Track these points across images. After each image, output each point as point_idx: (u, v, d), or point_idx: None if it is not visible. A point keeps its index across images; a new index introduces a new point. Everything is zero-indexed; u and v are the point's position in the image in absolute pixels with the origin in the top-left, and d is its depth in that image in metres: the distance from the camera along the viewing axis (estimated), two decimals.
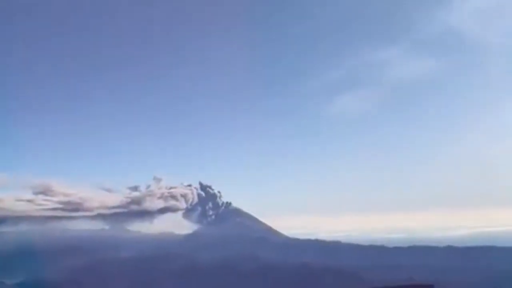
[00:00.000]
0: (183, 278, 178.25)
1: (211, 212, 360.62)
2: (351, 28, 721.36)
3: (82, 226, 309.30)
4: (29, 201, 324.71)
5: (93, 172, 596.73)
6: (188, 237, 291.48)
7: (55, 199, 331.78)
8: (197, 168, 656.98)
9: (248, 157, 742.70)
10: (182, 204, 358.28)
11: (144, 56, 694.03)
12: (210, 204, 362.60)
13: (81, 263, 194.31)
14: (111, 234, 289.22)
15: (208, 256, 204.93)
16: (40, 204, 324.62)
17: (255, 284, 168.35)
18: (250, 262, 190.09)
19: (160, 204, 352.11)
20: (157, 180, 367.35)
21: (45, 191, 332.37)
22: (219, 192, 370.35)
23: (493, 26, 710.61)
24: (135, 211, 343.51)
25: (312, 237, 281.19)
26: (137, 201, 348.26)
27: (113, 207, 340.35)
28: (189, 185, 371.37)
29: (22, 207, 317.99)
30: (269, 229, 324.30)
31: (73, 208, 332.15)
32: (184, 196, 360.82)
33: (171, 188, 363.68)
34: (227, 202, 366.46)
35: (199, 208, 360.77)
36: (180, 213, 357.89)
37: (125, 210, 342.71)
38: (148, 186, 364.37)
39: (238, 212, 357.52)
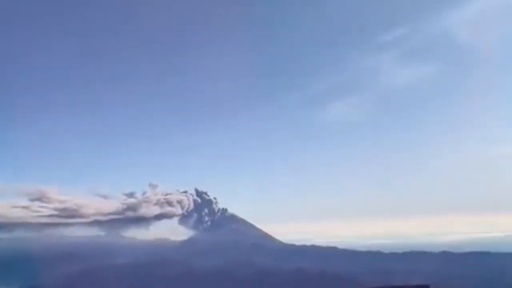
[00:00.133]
0: (179, 284, 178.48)
1: (207, 218, 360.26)
2: (344, 35, 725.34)
3: (78, 233, 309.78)
4: (25, 207, 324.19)
5: (89, 178, 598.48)
6: (184, 243, 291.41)
7: (51, 205, 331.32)
8: (193, 174, 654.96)
9: (244, 164, 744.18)
10: (178, 211, 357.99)
11: (138, 64, 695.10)
12: (206, 210, 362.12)
13: (77, 269, 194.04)
14: (107, 240, 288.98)
15: (204, 262, 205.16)
16: (36, 211, 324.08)
17: None
18: (246, 268, 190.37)
19: (156, 210, 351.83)
20: (153, 186, 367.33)
21: (41, 198, 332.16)
22: (214, 198, 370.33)
23: (486, 33, 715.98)
24: (131, 217, 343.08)
25: (308, 243, 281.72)
26: (133, 208, 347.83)
27: (109, 214, 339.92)
28: (185, 192, 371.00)
29: (18, 214, 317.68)
30: (265, 235, 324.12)
31: (69, 214, 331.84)
32: (180, 202, 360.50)
33: (167, 194, 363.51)
34: (223, 208, 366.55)
35: (195, 215, 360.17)
36: (176, 220, 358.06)
37: (121, 216, 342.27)
38: (144, 193, 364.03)
39: (234, 218, 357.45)
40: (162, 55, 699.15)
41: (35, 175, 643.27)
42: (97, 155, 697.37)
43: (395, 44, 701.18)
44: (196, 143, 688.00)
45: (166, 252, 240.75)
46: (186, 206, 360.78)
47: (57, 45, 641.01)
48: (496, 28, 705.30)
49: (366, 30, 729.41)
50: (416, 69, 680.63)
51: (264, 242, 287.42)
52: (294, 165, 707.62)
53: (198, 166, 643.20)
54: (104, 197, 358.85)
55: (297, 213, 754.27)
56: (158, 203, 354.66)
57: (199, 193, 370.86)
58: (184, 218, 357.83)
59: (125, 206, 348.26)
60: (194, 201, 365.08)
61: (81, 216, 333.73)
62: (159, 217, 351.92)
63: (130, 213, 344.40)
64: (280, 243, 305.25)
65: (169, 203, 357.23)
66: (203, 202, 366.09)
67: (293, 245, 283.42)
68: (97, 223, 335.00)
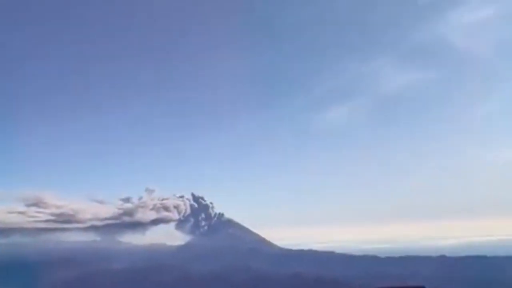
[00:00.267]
0: None
1: (203, 223, 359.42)
2: (341, 40, 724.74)
3: (74, 238, 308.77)
4: (21, 213, 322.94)
5: (85, 183, 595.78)
6: (180, 248, 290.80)
7: (47, 211, 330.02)
8: (189, 179, 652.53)
9: (241, 168, 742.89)
10: (175, 215, 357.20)
11: (136, 69, 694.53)
12: (203, 215, 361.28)
13: (74, 274, 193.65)
14: (103, 245, 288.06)
15: (201, 267, 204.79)
16: (32, 216, 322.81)
17: None
18: (243, 273, 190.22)
19: (153, 215, 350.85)
20: (150, 191, 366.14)
21: (37, 203, 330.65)
22: (211, 203, 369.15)
23: (483, 38, 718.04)
24: (128, 222, 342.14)
25: (305, 248, 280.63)
26: (129, 213, 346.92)
27: (106, 219, 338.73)
28: (182, 196, 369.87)
29: (14, 219, 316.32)
30: (262, 240, 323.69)
31: (65, 220, 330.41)
32: (176, 207, 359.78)
33: (163, 199, 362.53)
34: (219, 213, 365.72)
35: (192, 219, 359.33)
36: (172, 224, 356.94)
37: (118, 221, 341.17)
38: (141, 198, 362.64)
39: (230, 223, 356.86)
40: (160, 59, 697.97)
41: (32, 181, 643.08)
42: (93, 160, 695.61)
43: (394, 48, 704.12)
44: (192, 148, 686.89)
45: (163, 257, 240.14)
46: (183, 211, 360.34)
47: (52, 50, 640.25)
48: (494, 33, 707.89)
49: (363, 35, 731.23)
50: (415, 74, 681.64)
51: (261, 246, 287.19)
52: (291, 169, 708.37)
53: (194, 171, 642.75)
54: (101, 202, 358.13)
55: (294, 218, 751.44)
56: (154, 208, 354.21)
57: (195, 198, 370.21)
58: (180, 223, 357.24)
59: (121, 211, 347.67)
60: (191, 206, 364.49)
61: (77, 221, 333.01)
62: (155, 222, 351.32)
63: (126, 218, 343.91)
64: (277, 247, 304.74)
65: (166, 208, 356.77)
66: (199, 207, 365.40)
67: (290, 250, 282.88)
68: (93, 228, 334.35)
